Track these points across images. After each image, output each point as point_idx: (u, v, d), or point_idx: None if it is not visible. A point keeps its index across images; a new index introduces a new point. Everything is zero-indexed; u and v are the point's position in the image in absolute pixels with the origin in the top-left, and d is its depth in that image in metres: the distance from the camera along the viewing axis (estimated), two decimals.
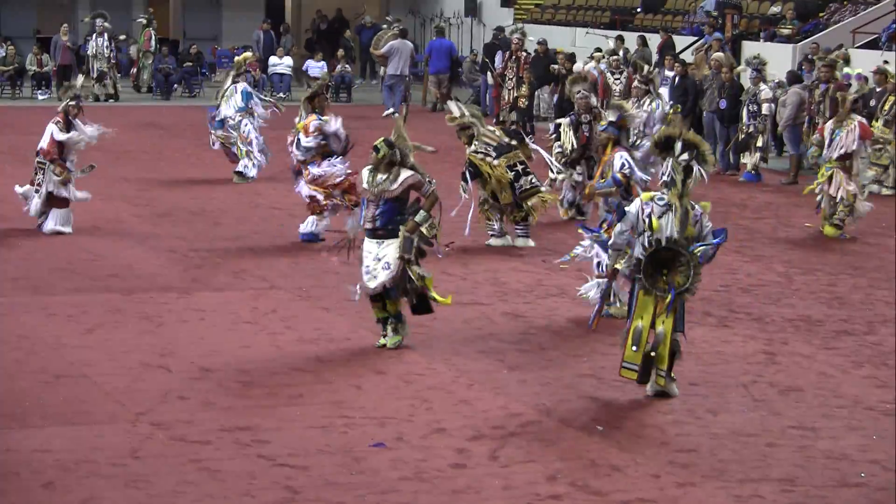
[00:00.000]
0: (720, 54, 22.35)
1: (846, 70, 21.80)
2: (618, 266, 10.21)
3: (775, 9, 29.32)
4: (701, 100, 21.86)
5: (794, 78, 21.63)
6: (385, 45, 28.34)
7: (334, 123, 14.81)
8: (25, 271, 13.50)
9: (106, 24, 29.67)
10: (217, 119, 19.09)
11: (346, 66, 31.79)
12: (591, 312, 12.11)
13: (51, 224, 15.18)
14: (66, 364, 10.44)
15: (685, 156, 9.87)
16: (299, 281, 13.37)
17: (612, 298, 11.75)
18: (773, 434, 9.20)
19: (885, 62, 22.20)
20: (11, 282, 13.06)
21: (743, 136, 20.76)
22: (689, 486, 8.26)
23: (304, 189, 14.99)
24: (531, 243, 15.18)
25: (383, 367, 10.55)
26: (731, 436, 9.14)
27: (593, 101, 16.88)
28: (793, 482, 8.34)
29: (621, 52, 26.41)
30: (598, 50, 26.87)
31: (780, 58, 24.93)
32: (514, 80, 24.36)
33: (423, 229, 10.86)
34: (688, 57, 25.93)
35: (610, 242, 10.29)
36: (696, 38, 28.75)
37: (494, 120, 23.68)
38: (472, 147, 15.06)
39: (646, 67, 19.69)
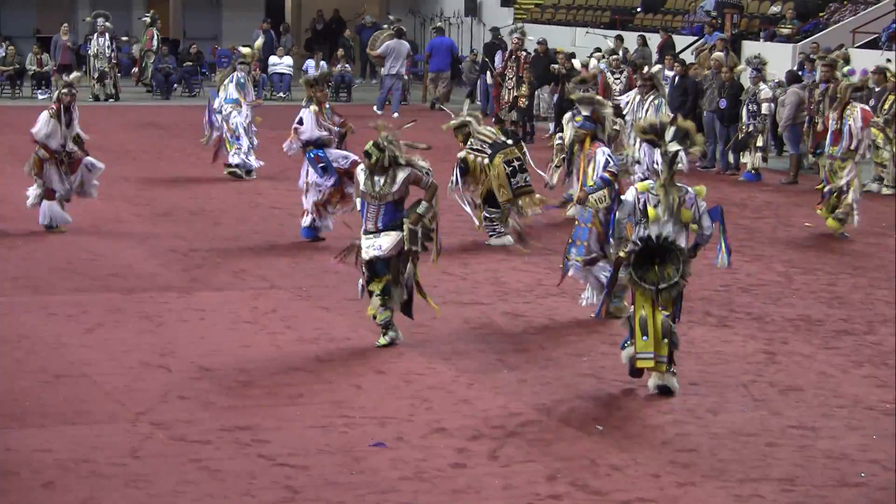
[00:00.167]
0: (719, 54, 22.36)
1: (848, 67, 21.78)
2: (622, 254, 10.23)
3: (775, 9, 29.34)
4: (701, 100, 21.86)
5: (793, 78, 21.64)
6: (381, 46, 28.37)
7: (309, 127, 14.73)
8: (25, 271, 13.50)
9: (107, 24, 29.67)
10: (215, 111, 19.25)
11: (346, 65, 31.80)
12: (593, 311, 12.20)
13: (40, 218, 15.22)
14: (66, 364, 10.44)
15: (674, 145, 9.90)
16: (299, 281, 13.37)
17: (613, 289, 11.87)
18: (773, 434, 9.20)
19: (888, 60, 22.21)
20: (11, 281, 13.06)
21: (742, 135, 20.76)
22: (689, 485, 8.26)
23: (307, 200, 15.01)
24: (509, 240, 15.21)
25: (383, 367, 10.55)
26: (731, 436, 9.14)
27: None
28: (793, 482, 8.34)
29: (621, 52, 26.42)
30: (598, 50, 26.89)
31: (780, 58, 24.92)
32: (513, 79, 24.37)
33: (426, 220, 10.89)
34: (688, 57, 25.92)
35: (611, 232, 10.30)
36: (696, 38, 28.75)
37: (493, 119, 23.70)
38: (469, 144, 15.15)
39: (645, 67, 19.69)
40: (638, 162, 15.47)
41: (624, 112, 18.22)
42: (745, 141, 20.80)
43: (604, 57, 25.39)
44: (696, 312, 12.27)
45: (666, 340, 9.82)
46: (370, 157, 10.82)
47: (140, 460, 8.42)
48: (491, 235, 15.32)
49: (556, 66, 24.76)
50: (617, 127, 17.77)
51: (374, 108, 27.75)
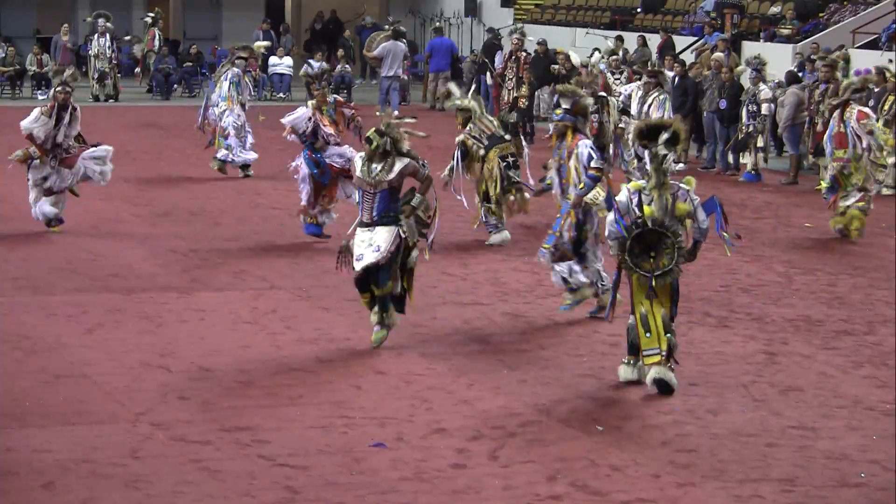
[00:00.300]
0: (720, 55, 22.36)
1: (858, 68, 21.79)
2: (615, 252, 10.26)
3: (775, 9, 29.33)
4: (701, 100, 21.87)
5: (792, 78, 21.62)
6: (378, 47, 28.39)
7: (296, 116, 14.78)
8: (25, 271, 13.50)
9: (108, 25, 29.67)
10: (212, 105, 19.31)
11: (346, 66, 31.80)
12: (589, 309, 12.20)
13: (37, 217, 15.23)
14: (66, 364, 10.44)
15: (663, 148, 9.94)
16: (299, 281, 13.37)
17: (602, 286, 11.93)
18: (773, 434, 9.20)
19: (890, 61, 22.20)
20: (11, 282, 13.06)
21: (742, 136, 20.75)
22: (689, 486, 8.26)
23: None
24: (507, 236, 15.25)
25: (383, 367, 10.55)
26: (731, 436, 9.14)
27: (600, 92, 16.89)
28: (793, 482, 8.34)
29: (620, 53, 26.40)
30: (597, 50, 26.87)
31: (780, 58, 24.92)
32: (513, 80, 24.37)
33: (420, 213, 10.91)
34: (688, 57, 25.92)
35: (607, 234, 10.32)
36: (696, 38, 28.75)
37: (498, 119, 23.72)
38: (467, 129, 15.19)
39: (648, 63, 19.74)
40: (640, 158, 15.51)
41: (627, 106, 18.26)
42: (744, 141, 20.80)
43: (603, 58, 25.37)
44: (696, 313, 12.27)
45: (668, 336, 9.85)
46: (371, 142, 10.82)
47: (140, 461, 8.42)
48: (490, 234, 15.32)
49: (556, 66, 24.77)
50: (622, 125, 17.81)
51: (377, 112, 27.71)
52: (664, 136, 9.93)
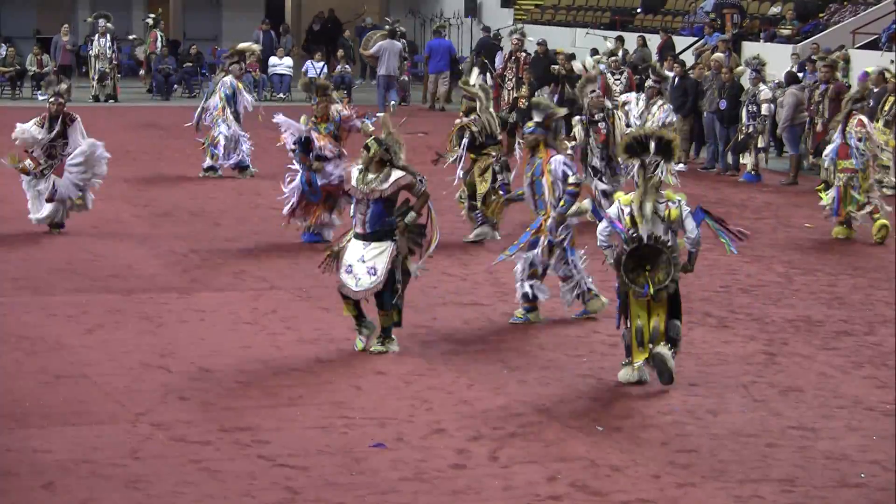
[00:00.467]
0: (719, 55, 22.36)
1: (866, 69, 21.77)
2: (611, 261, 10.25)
3: (775, 9, 29.33)
4: (701, 100, 21.87)
5: (791, 78, 21.62)
6: (374, 46, 28.43)
7: (294, 124, 14.82)
8: (25, 271, 13.50)
9: (109, 25, 29.67)
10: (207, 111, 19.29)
11: (346, 66, 31.81)
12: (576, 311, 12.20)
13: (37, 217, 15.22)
14: (66, 364, 10.44)
15: (656, 157, 9.93)
16: (299, 281, 13.37)
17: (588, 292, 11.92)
18: (773, 434, 9.20)
19: (892, 61, 22.18)
20: (11, 282, 13.06)
21: (742, 136, 20.76)
22: (689, 486, 8.26)
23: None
24: (486, 231, 15.34)
25: (383, 368, 10.54)
26: (731, 436, 9.14)
27: (608, 103, 16.85)
28: (793, 482, 8.34)
29: (620, 53, 26.41)
30: (596, 52, 26.87)
31: (779, 58, 24.92)
32: (513, 80, 24.36)
33: (412, 229, 10.86)
34: (688, 57, 25.92)
35: (598, 243, 10.31)
36: (696, 38, 28.76)
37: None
38: (469, 118, 15.21)
39: (656, 67, 19.74)
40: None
41: (629, 113, 18.23)
42: (744, 142, 20.80)
43: (601, 59, 25.37)
44: (696, 313, 12.27)
45: (669, 335, 9.93)
46: (369, 149, 10.80)
47: (140, 461, 8.42)
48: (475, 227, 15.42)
49: (556, 66, 24.77)
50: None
51: (377, 114, 27.74)
52: (653, 143, 9.93)
